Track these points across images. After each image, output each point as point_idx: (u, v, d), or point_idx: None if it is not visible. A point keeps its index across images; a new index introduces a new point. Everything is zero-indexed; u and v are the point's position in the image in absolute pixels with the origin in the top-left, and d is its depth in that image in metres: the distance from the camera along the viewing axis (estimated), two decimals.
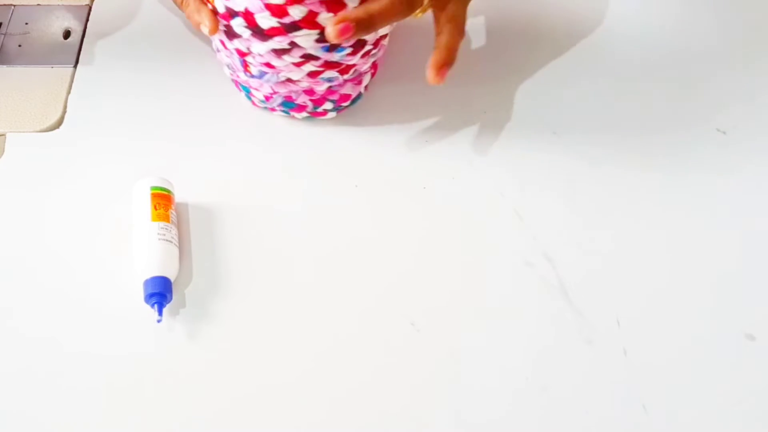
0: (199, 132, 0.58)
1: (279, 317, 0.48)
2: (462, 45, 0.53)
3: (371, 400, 0.45)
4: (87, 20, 0.65)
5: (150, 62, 0.62)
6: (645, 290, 0.51)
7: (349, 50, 0.52)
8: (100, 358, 0.46)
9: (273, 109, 0.58)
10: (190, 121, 0.58)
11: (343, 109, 0.58)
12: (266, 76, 0.53)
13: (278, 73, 0.53)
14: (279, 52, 0.51)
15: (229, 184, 0.55)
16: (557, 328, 0.49)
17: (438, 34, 0.53)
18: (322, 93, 0.56)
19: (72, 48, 0.63)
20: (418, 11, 0.50)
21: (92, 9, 0.66)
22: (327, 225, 0.53)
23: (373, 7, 0.48)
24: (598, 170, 0.58)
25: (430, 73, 0.52)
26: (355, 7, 0.48)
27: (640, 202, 0.56)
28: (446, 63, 0.52)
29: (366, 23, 0.47)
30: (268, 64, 0.52)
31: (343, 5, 0.49)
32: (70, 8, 0.66)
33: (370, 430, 0.44)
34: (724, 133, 0.61)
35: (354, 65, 0.54)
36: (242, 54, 0.53)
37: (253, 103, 0.59)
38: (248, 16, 0.49)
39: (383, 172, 0.56)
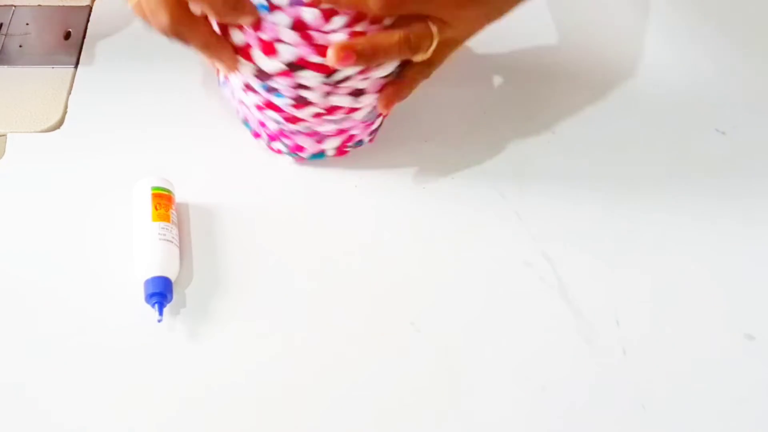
0: (199, 132, 0.58)
1: (279, 317, 0.48)
2: (462, 45, 0.53)
3: (371, 399, 0.45)
4: (87, 21, 0.65)
5: (150, 63, 0.62)
6: (644, 290, 0.51)
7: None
8: (100, 358, 0.46)
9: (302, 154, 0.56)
10: (191, 121, 0.59)
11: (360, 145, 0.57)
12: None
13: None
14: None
15: (229, 184, 0.55)
16: (556, 328, 0.49)
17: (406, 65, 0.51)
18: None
19: (72, 49, 0.63)
20: (419, 56, 0.49)
21: (93, 10, 0.66)
22: (327, 225, 0.53)
23: (378, 39, 0.46)
24: (598, 170, 0.58)
25: (381, 103, 0.51)
26: (361, 39, 0.46)
27: (640, 202, 0.56)
28: (401, 97, 0.51)
29: (368, 55, 0.46)
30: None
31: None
32: (70, 9, 0.66)
33: (369, 430, 0.44)
34: (724, 133, 0.61)
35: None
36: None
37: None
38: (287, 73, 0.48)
39: (383, 173, 0.56)
